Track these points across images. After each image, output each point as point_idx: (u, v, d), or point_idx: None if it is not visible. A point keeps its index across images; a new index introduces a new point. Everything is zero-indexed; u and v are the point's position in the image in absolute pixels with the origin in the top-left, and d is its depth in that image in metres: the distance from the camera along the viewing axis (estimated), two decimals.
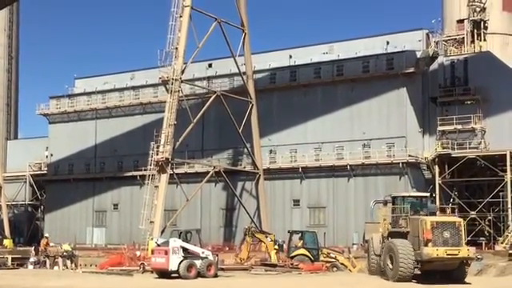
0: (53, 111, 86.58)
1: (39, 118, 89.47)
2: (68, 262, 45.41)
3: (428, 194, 34.82)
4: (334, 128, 67.40)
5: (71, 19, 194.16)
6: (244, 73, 67.17)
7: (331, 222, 66.23)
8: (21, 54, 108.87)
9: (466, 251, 29.66)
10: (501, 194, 60.91)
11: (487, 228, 60.70)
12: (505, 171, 60.06)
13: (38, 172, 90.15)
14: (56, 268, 44.85)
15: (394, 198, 33.31)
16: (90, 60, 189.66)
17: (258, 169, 67.39)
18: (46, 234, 53.37)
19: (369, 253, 35.03)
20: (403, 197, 33.29)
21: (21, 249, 53.58)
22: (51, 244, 49.42)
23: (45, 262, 46.18)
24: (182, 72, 59.29)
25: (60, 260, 45.39)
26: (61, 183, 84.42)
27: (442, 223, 29.95)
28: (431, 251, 28.95)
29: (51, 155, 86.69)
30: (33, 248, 50.51)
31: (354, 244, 62.03)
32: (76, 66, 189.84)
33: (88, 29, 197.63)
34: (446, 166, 62.08)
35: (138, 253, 46.80)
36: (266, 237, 43.88)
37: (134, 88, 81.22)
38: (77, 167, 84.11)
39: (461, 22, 73.92)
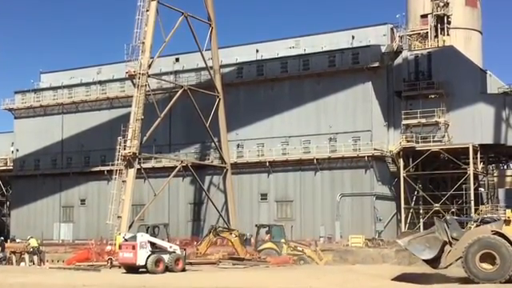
0: (18, 106, 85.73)
1: (4, 112, 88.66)
2: (35, 258, 45.18)
3: None
4: (300, 122, 67.93)
5: (35, 11, 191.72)
6: (211, 67, 67.30)
7: (298, 216, 66.79)
8: None
9: None
10: (464, 186, 62.20)
11: None
12: (467, 164, 61.41)
13: (4, 167, 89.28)
14: (22, 264, 44.62)
15: None
16: (56, 54, 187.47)
17: (225, 163, 67.66)
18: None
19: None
20: None
21: None
22: (18, 240, 49.13)
23: (10, 258, 45.87)
24: (149, 66, 59.21)
25: (26, 256, 45.15)
26: (27, 179, 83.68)
27: None
28: None
29: (17, 150, 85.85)
30: None
31: (320, 237, 62.71)
32: (41, 60, 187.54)
33: (53, 22, 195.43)
34: (411, 159, 63.25)
35: (108, 247, 46.69)
36: (231, 233, 44.29)
37: (100, 82, 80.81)
38: (43, 162, 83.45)
39: (425, 16, 75.14)
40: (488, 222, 26.86)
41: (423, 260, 27.31)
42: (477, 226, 27.81)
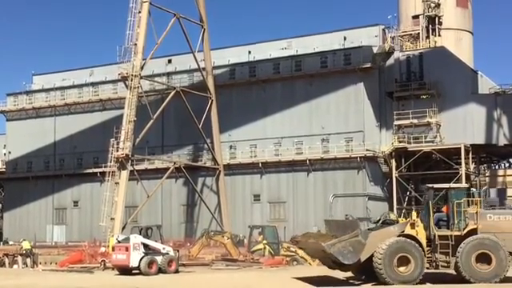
0: (10, 108, 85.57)
1: None
2: (28, 261, 45.15)
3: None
4: (293, 123, 68.07)
5: (27, 13, 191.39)
6: (203, 68, 67.37)
7: (291, 217, 66.91)
8: None
9: None
10: None
11: None
12: (459, 164, 61.61)
13: None
14: (15, 266, 44.58)
15: None
16: (48, 56, 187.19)
17: (218, 164, 67.72)
18: None
19: None
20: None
21: None
22: (10, 242, 49.07)
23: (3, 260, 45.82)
24: (142, 68, 59.21)
25: (19, 258, 45.10)
26: (20, 181, 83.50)
27: None
28: None
29: (9, 153, 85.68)
30: None
31: None
32: (33, 61, 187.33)
33: (45, 24, 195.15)
34: (403, 160, 63.41)
35: (102, 249, 46.63)
36: (223, 236, 44.49)
37: (93, 84, 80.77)
38: (36, 165, 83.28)
39: (416, 17, 75.44)
40: (389, 224, 26.84)
41: (339, 264, 25.93)
42: (377, 227, 27.42)
